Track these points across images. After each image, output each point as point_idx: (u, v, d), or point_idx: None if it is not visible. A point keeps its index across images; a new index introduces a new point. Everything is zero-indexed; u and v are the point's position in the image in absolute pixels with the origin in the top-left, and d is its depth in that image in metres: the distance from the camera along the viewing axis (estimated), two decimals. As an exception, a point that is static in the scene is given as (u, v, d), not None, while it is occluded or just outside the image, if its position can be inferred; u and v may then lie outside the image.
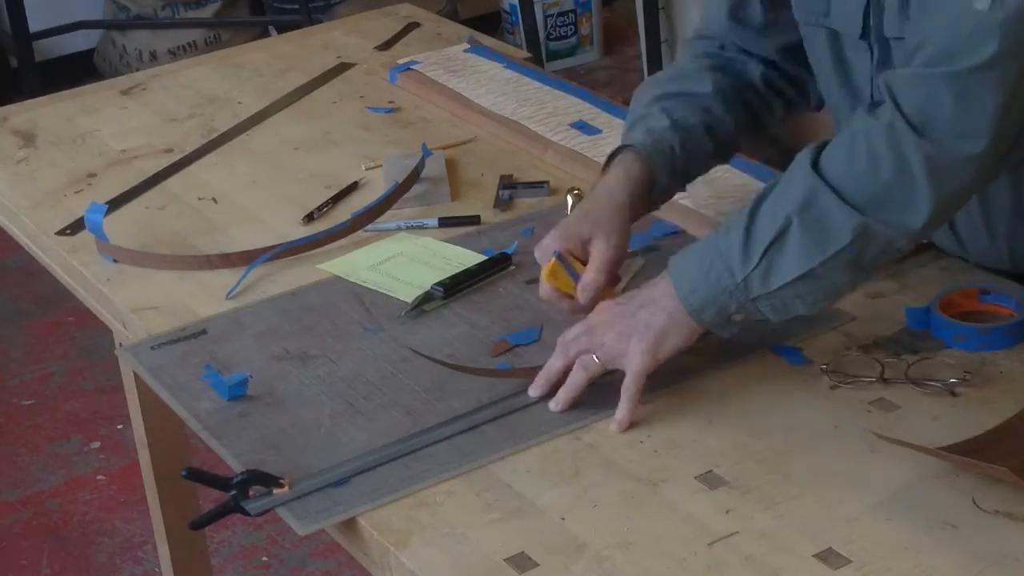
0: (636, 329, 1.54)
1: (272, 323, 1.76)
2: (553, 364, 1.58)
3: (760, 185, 1.93)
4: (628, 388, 1.53)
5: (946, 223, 1.69)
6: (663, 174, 1.74)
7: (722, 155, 1.83)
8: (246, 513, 1.47)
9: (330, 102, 2.33)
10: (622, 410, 1.53)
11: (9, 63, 5.13)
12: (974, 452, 1.41)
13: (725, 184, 1.96)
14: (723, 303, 1.53)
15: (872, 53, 1.67)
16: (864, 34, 1.67)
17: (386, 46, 2.54)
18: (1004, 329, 1.61)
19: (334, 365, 1.68)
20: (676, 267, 1.57)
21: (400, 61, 2.42)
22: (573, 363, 1.57)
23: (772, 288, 1.52)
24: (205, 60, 2.59)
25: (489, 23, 4.98)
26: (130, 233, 1.99)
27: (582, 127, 2.15)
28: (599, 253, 1.67)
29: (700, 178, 1.96)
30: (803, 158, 1.53)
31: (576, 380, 1.56)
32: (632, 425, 1.53)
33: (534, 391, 1.58)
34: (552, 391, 1.57)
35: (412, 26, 2.62)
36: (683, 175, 1.78)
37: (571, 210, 1.90)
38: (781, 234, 1.50)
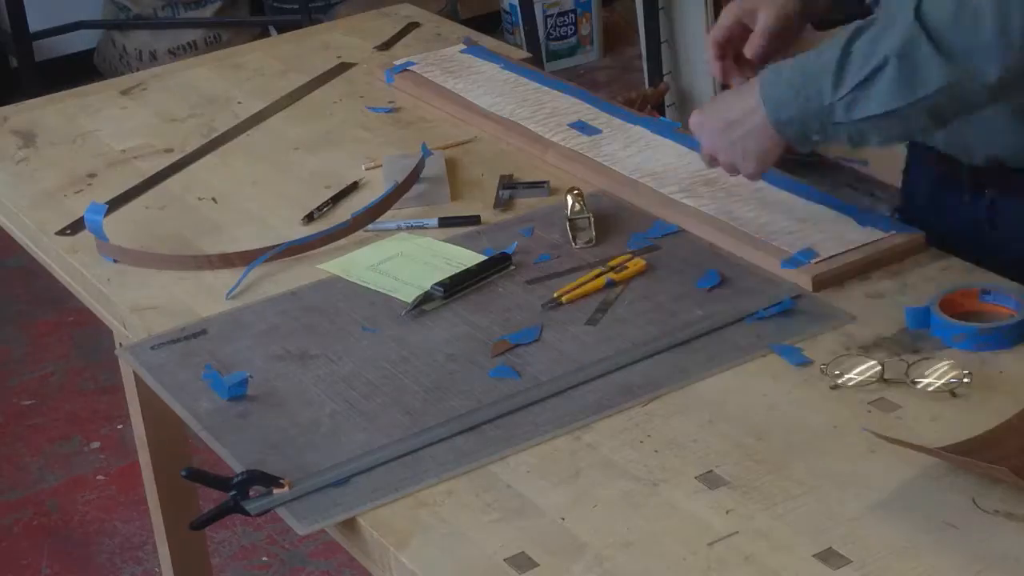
0: (737, 156, 1.75)
1: (272, 323, 1.76)
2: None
3: (768, 187, 1.93)
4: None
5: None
6: None
7: None
8: (246, 513, 1.47)
9: (330, 102, 2.33)
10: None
11: (9, 63, 5.14)
12: (974, 452, 1.41)
13: (727, 183, 1.96)
14: (807, 122, 1.66)
15: None
16: None
17: (386, 46, 2.54)
18: (1004, 329, 1.61)
19: (334, 365, 1.68)
20: (767, 84, 1.70)
21: (397, 62, 2.42)
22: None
23: (855, 119, 1.63)
24: (205, 60, 2.59)
25: (489, 23, 4.99)
26: (130, 233, 1.99)
27: (581, 127, 2.15)
28: (764, 19, 1.85)
29: (701, 177, 1.97)
30: (907, 3, 1.59)
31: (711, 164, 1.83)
32: (632, 425, 1.53)
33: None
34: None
35: (412, 26, 2.62)
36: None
37: (570, 210, 1.91)
38: (875, 72, 1.60)
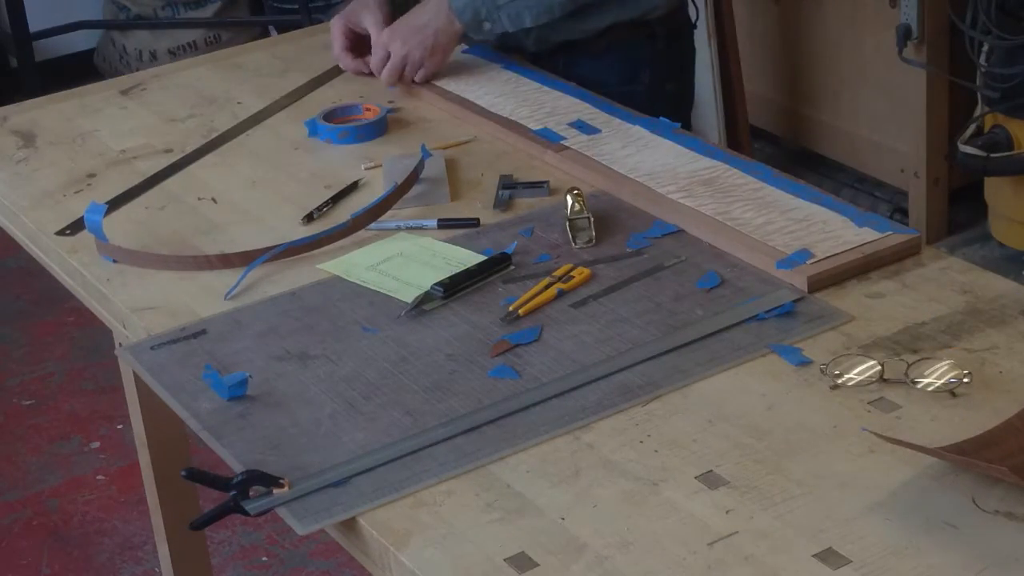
0: (427, 51, 2.29)
1: (272, 323, 1.76)
2: (377, 66, 2.33)
3: (767, 187, 1.93)
4: (422, 74, 2.31)
5: None
6: None
7: None
8: (246, 513, 1.47)
9: (330, 102, 2.33)
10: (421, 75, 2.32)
11: (9, 63, 5.13)
12: (974, 452, 1.41)
13: (725, 183, 1.96)
14: (477, 9, 2.27)
15: None
16: None
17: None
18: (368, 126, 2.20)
19: (334, 365, 1.68)
20: None
21: None
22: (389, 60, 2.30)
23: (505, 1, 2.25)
24: (205, 60, 2.59)
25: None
26: (130, 233, 1.99)
27: (581, 127, 2.15)
28: (369, 18, 2.38)
29: (699, 177, 1.97)
30: None
31: (395, 65, 2.30)
32: (632, 425, 1.53)
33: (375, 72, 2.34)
34: None
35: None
36: None
37: (570, 210, 1.91)
38: None
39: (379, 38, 2.33)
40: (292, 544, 3.02)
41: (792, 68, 4.03)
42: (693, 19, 2.58)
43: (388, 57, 2.31)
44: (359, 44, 2.41)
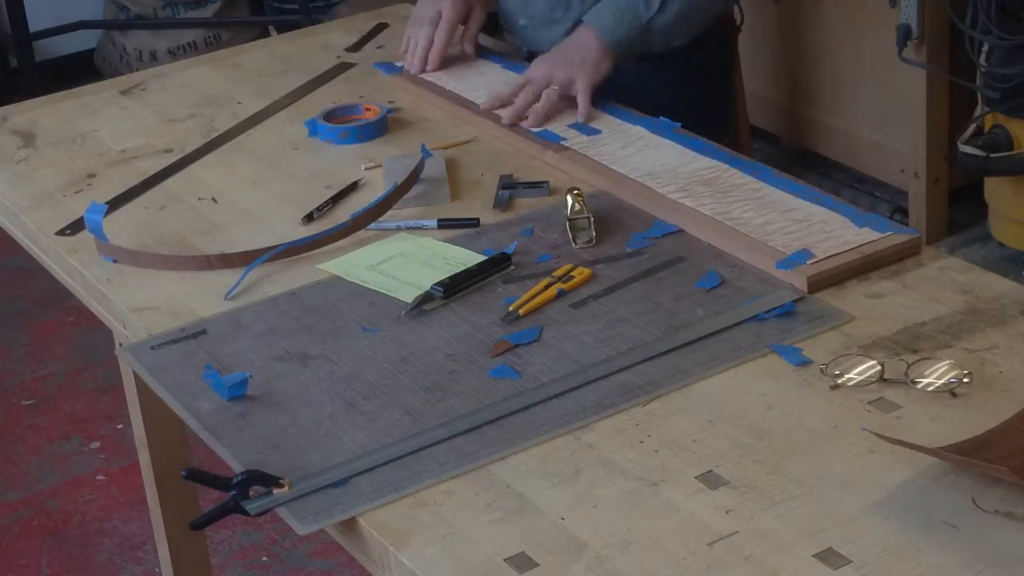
0: (575, 64, 2.20)
1: (272, 323, 1.76)
2: (521, 101, 2.19)
3: (767, 187, 1.93)
4: (583, 95, 2.18)
5: None
6: None
7: None
8: (246, 513, 1.47)
9: (330, 102, 2.33)
10: (583, 108, 2.17)
11: (9, 63, 5.14)
12: (974, 452, 1.41)
13: (725, 183, 1.96)
14: (632, 40, 2.23)
15: None
16: None
17: (356, 47, 2.55)
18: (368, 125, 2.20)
19: (334, 365, 1.68)
20: (592, 20, 2.24)
21: (397, 63, 2.43)
22: (535, 96, 2.18)
23: (668, 20, 2.23)
24: (205, 60, 2.59)
25: (489, 23, 4.97)
26: (130, 233, 1.99)
27: (581, 127, 2.15)
28: (448, 9, 2.38)
29: (699, 177, 1.97)
30: None
31: (547, 101, 2.17)
32: (632, 425, 1.53)
33: (506, 120, 2.18)
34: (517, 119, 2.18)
35: (381, 26, 2.63)
36: None
37: (570, 210, 1.91)
38: None
39: (535, 63, 2.25)
40: (292, 544, 3.02)
41: (792, 68, 4.03)
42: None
43: (529, 93, 2.20)
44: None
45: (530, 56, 2.39)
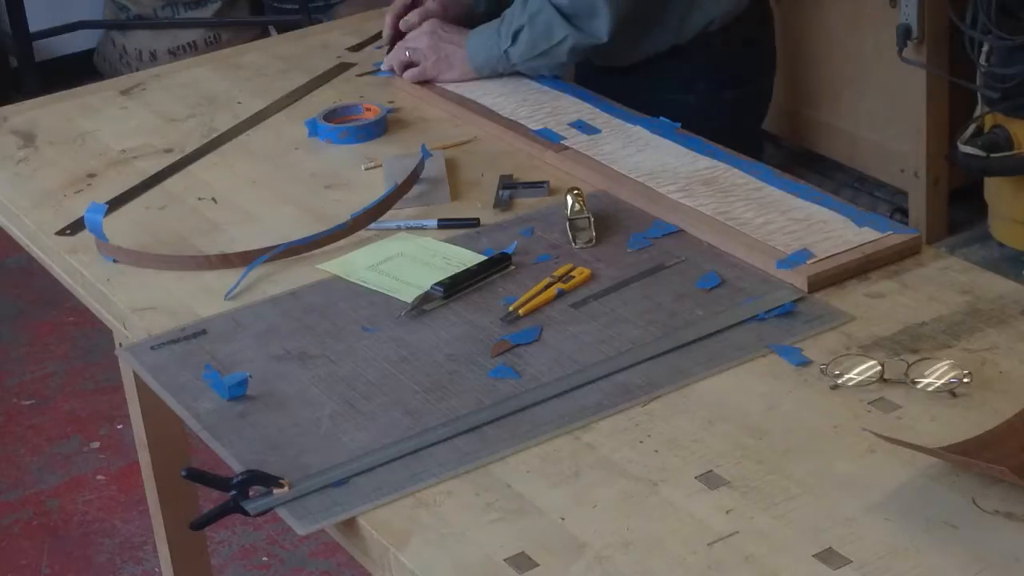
0: (442, 61, 2.34)
1: (272, 323, 1.76)
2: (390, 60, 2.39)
3: (767, 187, 1.93)
4: (414, 75, 2.36)
5: None
6: None
7: None
8: (246, 513, 1.47)
9: (330, 102, 2.33)
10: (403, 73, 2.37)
11: (9, 63, 5.13)
12: (974, 452, 1.41)
13: (726, 183, 1.96)
14: (494, 66, 2.32)
15: None
16: None
17: (357, 47, 2.55)
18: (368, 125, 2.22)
19: (334, 365, 1.68)
20: (472, 37, 2.33)
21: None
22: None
23: (523, 61, 2.30)
24: (205, 60, 2.59)
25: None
26: (130, 233, 1.99)
27: (581, 127, 2.15)
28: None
29: (700, 177, 1.97)
30: None
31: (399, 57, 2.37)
32: (632, 425, 1.53)
33: (385, 65, 2.42)
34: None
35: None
36: None
37: (570, 210, 1.91)
38: (519, 30, 2.28)
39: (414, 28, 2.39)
40: (292, 544, 3.02)
41: (792, 68, 4.03)
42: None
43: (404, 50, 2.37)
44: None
45: None
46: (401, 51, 2.37)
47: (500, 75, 2.32)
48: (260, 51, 2.60)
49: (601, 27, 2.24)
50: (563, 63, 2.32)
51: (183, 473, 1.50)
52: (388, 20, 2.45)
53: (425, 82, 2.34)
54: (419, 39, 2.35)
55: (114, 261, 1.92)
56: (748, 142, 2.23)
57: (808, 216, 1.87)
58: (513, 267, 1.83)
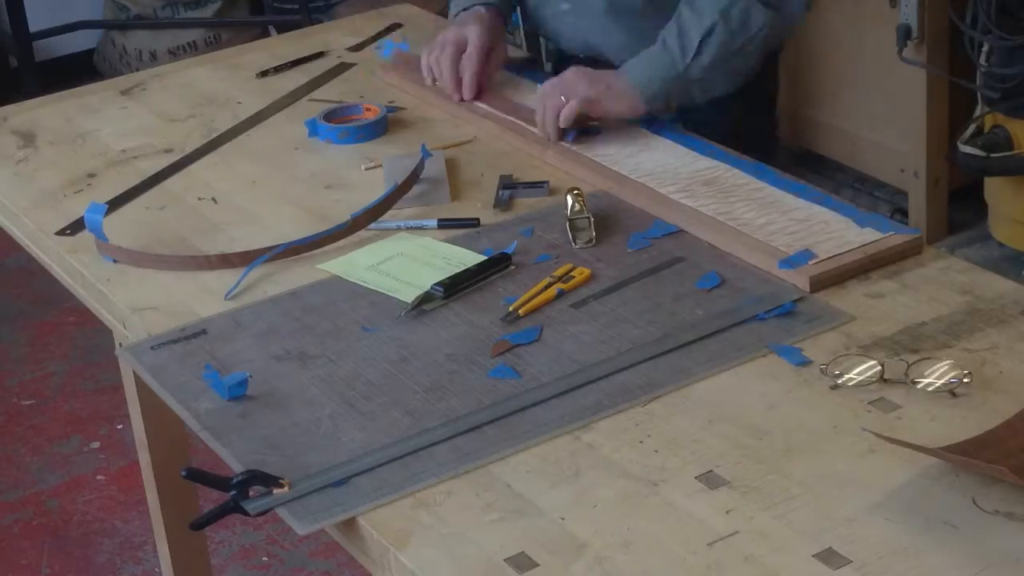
0: (609, 97, 2.09)
1: (272, 323, 1.76)
2: (544, 115, 2.10)
3: (768, 187, 1.93)
4: (571, 108, 2.08)
5: None
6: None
7: None
8: (246, 513, 1.47)
9: (330, 102, 2.33)
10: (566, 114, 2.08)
11: (9, 63, 5.13)
12: (974, 452, 1.41)
13: (726, 183, 1.96)
14: (670, 89, 2.09)
15: None
16: None
17: (359, 47, 2.55)
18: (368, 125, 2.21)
19: (334, 365, 1.68)
20: (630, 69, 2.10)
21: (397, 42, 2.46)
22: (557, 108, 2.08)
23: (705, 69, 2.08)
24: (205, 60, 2.59)
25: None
26: (130, 233, 1.99)
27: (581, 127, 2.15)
28: (476, 38, 2.23)
29: (701, 177, 1.97)
30: None
31: (567, 115, 2.08)
32: (632, 425, 1.53)
33: (541, 131, 2.12)
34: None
35: (395, 26, 2.63)
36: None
37: (570, 210, 1.91)
38: (708, 33, 2.07)
39: (545, 86, 2.12)
40: (292, 544, 3.02)
41: (792, 68, 4.03)
42: None
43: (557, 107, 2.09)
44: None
45: (556, 66, 2.35)
46: (554, 101, 2.10)
47: (667, 107, 2.12)
48: (260, 51, 2.60)
49: (798, 4, 2.14)
50: (752, 66, 2.14)
51: (183, 473, 1.50)
52: (446, 68, 2.25)
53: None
54: (567, 82, 2.10)
55: (114, 261, 1.92)
56: (759, 146, 2.18)
57: (809, 216, 1.87)
58: (513, 267, 1.83)
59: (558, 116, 2.08)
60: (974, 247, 3.79)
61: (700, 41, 2.07)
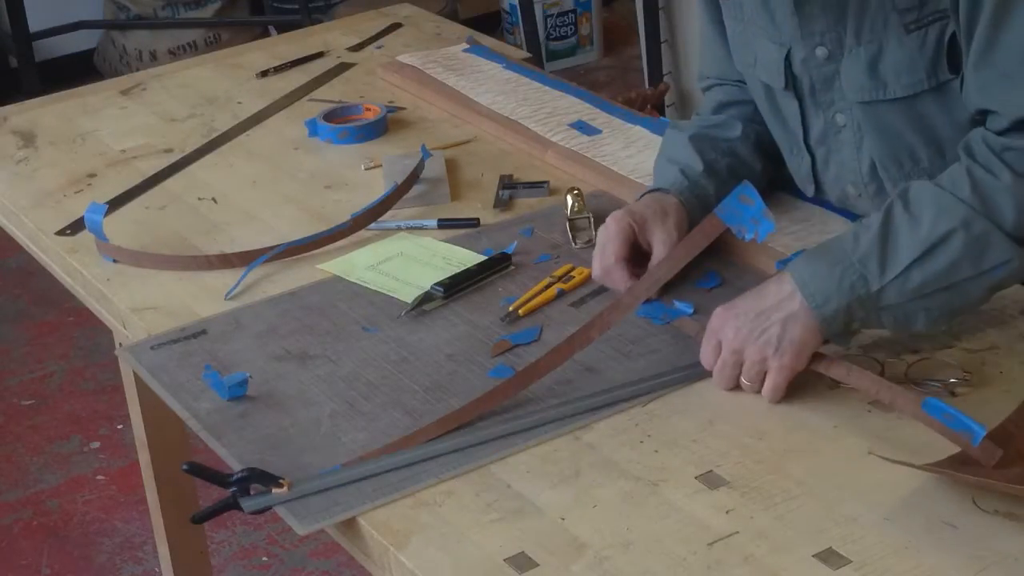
0: (770, 347, 1.56)
1: (272, 323, 1.76)
2: (707, 358, 1.60)
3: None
4: (774, 398, 1.56)
5: None
6: (697, 216, 1.78)
7: None
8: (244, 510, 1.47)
9: (330, 102, 2.33)
10: (772, 394, 1.56)
11: (9, 63, 5.13)
12: (971, 463, 1.40)
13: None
14: (852, 312, 1.56)
15: (800, 104, 1.78)
16: (787, 85, 1.78)
17: (358, 47, 2.55)
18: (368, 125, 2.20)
19: (334, 365, 1.68)
20: (801, 276, 1.57)
21: (400, 58, 2.44)
22: (734, 374, 1.58)
23: (908, 296, 1.55)
24: (205, 60, 2.59)
25: (489, 23, 4.98)
26: (130, 233, 1.99)
27: (581, 127, 2.15)
28: (660, 233, 1.76)
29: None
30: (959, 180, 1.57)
31: (751, 388, 1.58)
32: (632, 425, 1.53)
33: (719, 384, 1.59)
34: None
35: (395, 26, 2.63)
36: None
37: (570, 210, 1.91)
38: (934, 247, 1.54)
39: (717, 313, 1.62)
40: (292, 544, 3.02)
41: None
42: None
43: (719, 347, 1.60)
44: (635, 255, 1.77)
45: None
46: (712, 355, 1.60)
47: (852, 330, 1.60)
48: (260, 51, 2.60)
49: None
50: (973, 308, 1.62)
51: (184, 467, 1.50)
52: (617, 275, 1.75)
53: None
54: (724, 331, 1.59)
55: (114, 261, 1.92)
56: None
57: (808, 216, 1.87)
58: (513, 267, 1.83)
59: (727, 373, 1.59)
60: (974, 247, 3.78)
61: (911, 262, 1.55)
